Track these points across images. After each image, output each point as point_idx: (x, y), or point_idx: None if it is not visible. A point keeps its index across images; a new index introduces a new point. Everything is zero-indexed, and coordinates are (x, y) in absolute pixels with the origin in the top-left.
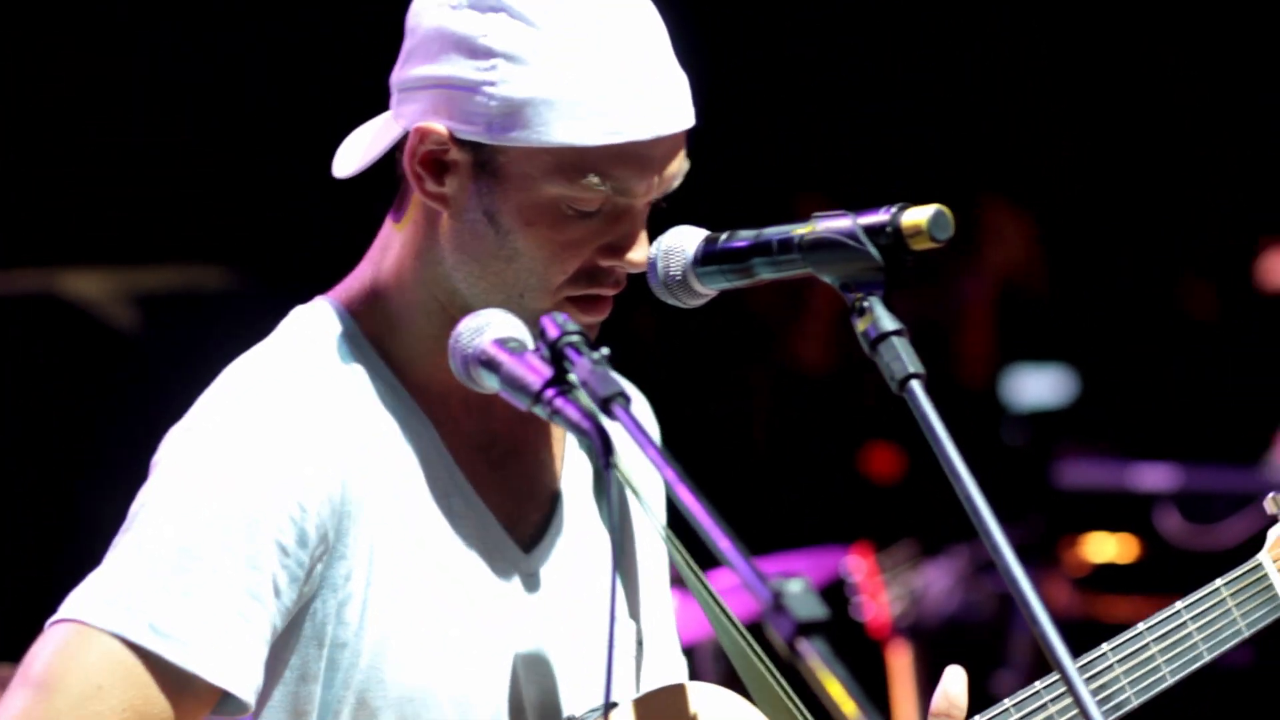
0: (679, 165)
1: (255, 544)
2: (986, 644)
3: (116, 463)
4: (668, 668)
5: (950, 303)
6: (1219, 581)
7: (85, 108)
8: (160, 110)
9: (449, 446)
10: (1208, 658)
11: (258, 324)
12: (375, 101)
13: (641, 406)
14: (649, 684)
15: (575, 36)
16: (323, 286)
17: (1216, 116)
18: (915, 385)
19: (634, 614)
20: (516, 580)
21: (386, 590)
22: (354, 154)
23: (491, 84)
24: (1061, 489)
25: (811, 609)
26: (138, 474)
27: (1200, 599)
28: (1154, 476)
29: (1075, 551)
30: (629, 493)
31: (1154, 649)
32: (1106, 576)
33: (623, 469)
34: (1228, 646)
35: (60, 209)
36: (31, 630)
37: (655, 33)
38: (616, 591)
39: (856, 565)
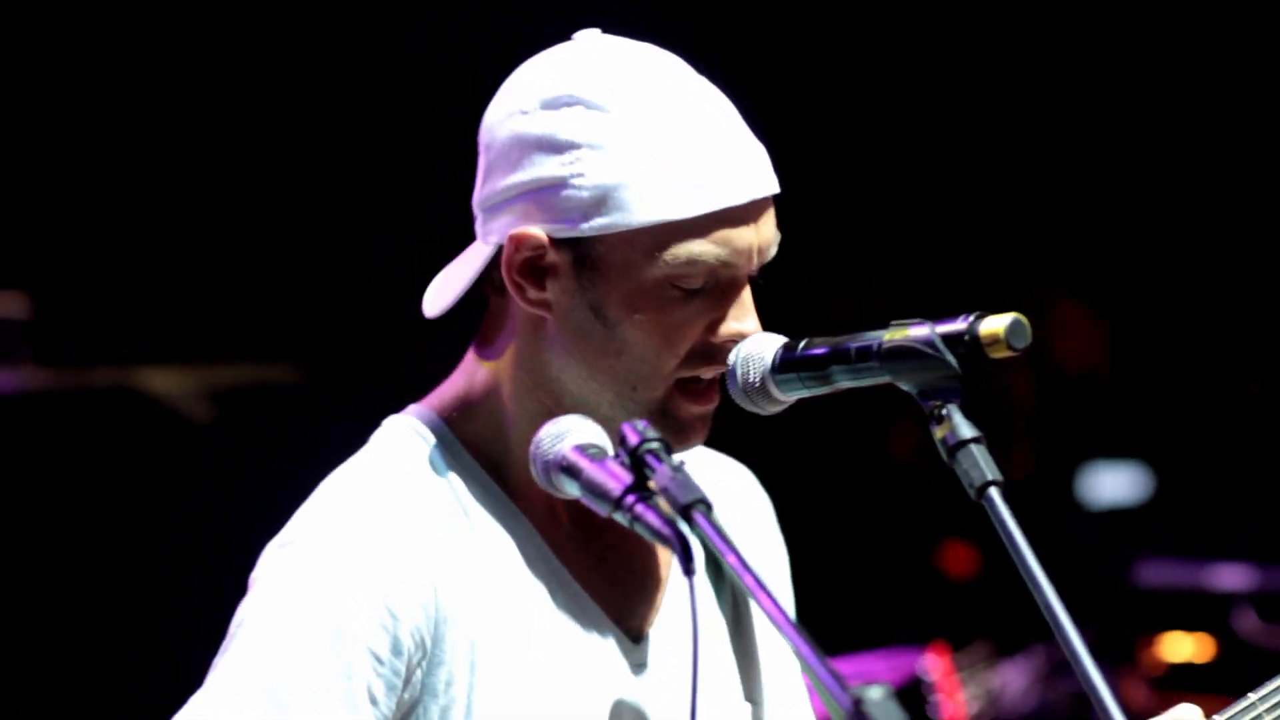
0: (773, 232)
1: (347, 655)
2: None
3: (190, 552)
4: None
5: (999, 396)
6: None
7: (167, 213)
8: (235, 215)
9: (550, 544)
10: None
11: (326, 417)
12: (452, 210)
13: (748, 485)
14: None
15: (653, 115)
16: (392, 383)
17: None
18: (994, 493)
19: (752, 697)
20: (626, 673)
21: (491, 693)
22: (443, 289)
23: (579, 175)
24: (1138, 588)
25: (892, 716)
26: (211, 562)
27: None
28: (1231, 576)
29: (1152, 651)
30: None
31: None
32: (1183, 676)
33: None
34: None
35: (137, 309)
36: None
37: (727, 106)
38: (698, 692)
39: (933, 664)
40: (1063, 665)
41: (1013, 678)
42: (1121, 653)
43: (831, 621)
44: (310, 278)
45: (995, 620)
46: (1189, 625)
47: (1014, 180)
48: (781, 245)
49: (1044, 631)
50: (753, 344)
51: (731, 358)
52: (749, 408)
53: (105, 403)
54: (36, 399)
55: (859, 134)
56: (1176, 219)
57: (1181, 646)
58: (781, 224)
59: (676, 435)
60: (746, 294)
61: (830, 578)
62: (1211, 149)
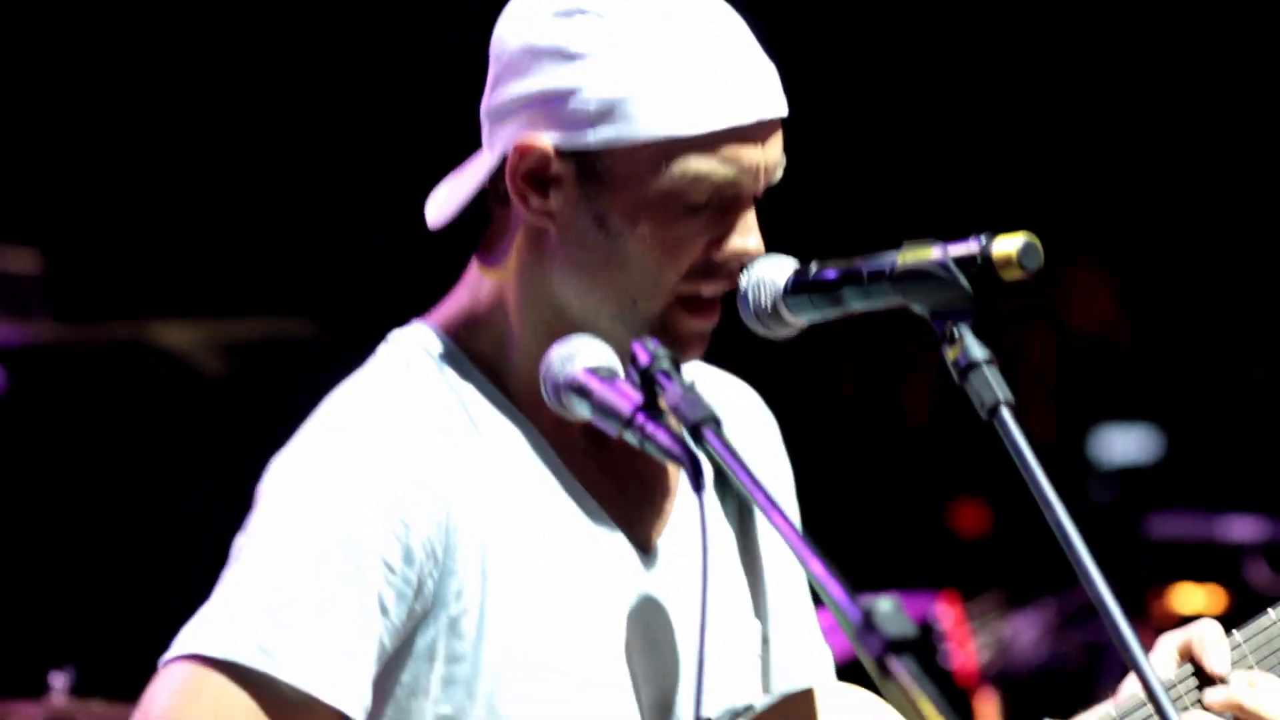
0: (780, 154)
1: (359, 562)
2: (1074, 694)
3: (203, 505)
4: (805, 667)
5: (1015, 357)
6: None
7: (181, 170)
8: (247, 170)
9: (560, 454)
10: None
11: (338, 370)
12: (461, 151)
13: (752, 402)
14: (782, 684)
15: (664, 29)
16: None
17: None
18: (1005, 413)
19: (759, 613)
20: (635, 584)
21: (503, 602)
22: (446, 200)
23: (586, 85)
24: (1150, 540)
25: (901, 627)
26: (224, 516)
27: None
28: (1242, 528)
29: (1163, 602)
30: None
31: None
32: None
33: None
34: None
35: (151, 264)
36: (115, 668)
37: (739, 25)
38: (708, 608)
39: (944, 613)
40: (1074, 617)
41: (1023, 628)
42: (1133, 604)
43: (843, 573)
44: (324, 231)
45: (1006, 575)
46: (1201, 577)
47: (1028, 146)
48: (786, 231)
49: (1055, 584)
50: (764, 268)
51: (743, 281)
52: (761, 332)
53: (119, 357)
54: (51, 353)
55: (862, 106)
56: (1190, 182)
57: (1193, 598)
58: (785, 212)
59: (673, 350)
60: (750, 213)
61: (843, 536)
62: (1230, 117)
